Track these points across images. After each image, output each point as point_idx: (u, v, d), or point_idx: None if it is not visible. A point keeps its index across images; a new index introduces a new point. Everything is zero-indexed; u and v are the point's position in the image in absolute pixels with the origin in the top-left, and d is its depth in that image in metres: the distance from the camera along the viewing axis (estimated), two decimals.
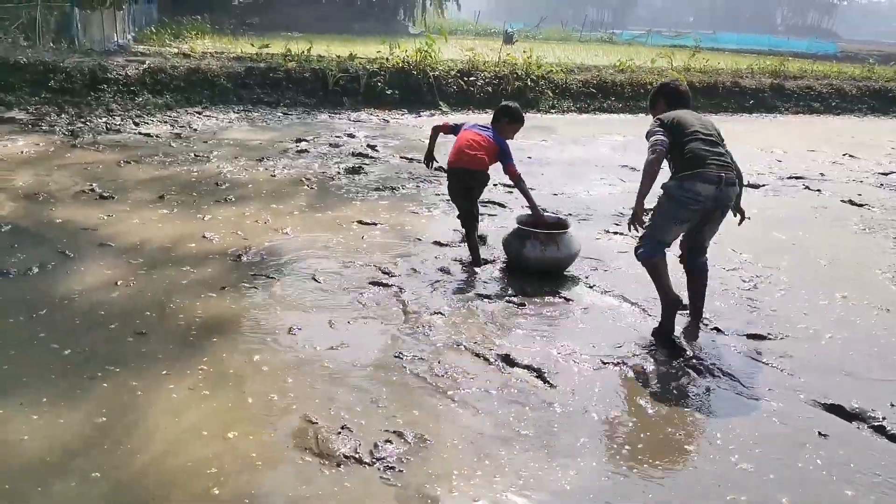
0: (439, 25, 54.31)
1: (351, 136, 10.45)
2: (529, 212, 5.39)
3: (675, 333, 4.16)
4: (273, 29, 44.06)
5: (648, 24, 70.68)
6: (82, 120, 10.19)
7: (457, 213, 5.53)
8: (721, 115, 15.15)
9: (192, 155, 8.49)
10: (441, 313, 4.38)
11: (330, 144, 9.69)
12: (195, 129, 10.24)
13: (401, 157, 9.08)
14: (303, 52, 14.24)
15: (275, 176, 7.77)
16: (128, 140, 9.18)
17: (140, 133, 9.60)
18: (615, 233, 6.37)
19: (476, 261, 5.33)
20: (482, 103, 14.03)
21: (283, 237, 5.73)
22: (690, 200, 3.84)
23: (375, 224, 6.19)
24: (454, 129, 5.61)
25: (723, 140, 4.05)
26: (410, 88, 13.72)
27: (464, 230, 5.48)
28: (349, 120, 11.95)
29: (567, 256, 5.21)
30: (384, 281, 4.87)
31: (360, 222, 6.22)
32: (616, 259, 5.61)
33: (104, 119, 10.37)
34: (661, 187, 3.99)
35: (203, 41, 31.08)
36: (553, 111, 14.25)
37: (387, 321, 4.26)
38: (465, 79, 14.19)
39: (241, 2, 58.59)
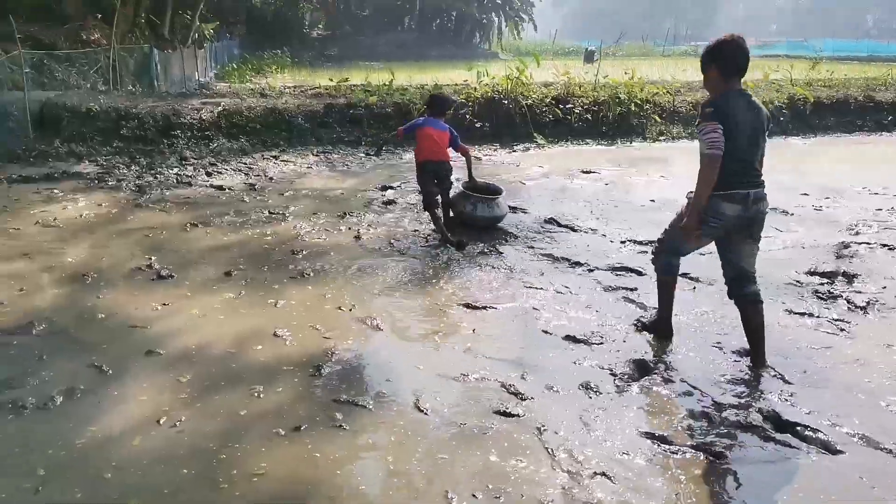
0: (516, 48, 53.26)
1: None
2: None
3: None
4: (351, 59, 44.04)
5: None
6: (152, 172, 9.39)
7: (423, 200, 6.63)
8: (856, 136, 13.25)
9: (267, 212, 7.46)
10: (608, 476, 3.01)
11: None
12: (271, 178, 9.27)
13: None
14: (384, 84, 13.24)
15: (359, 238, 6.60)
16: (198, 195, 8.25)
17: (211, 186, 8.68)
18: (803, 314, 4.84)
19: (444, 237, 6.38)
20: (580, 133, 12.66)
21: (372, 331, 4.52)
22: (712, 218, 3.80)
23: (486, 308, 4.90)
24: (409, 130, 6.62)
25: (766, 132, 3.82)
26: (502, 119, 12.49)
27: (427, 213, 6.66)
28: None
29: (501, 215, 6.83)
30: (512, 409, 3.55)
31: (466, 306, 4.94)
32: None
33: (175, 170, 9.54)
34: (687, 196, 4.04)
35: (283, 75, 31.08)
36: (662, 139, 12.71)
37: (530, 486, 2.93)
38: (561, 106, 12.83)
39: (319, 34, 59.35)
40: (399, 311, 4.88)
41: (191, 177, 9.15)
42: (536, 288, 5.30)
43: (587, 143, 12.28)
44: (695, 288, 5.28)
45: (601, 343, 4.35)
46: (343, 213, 7.43)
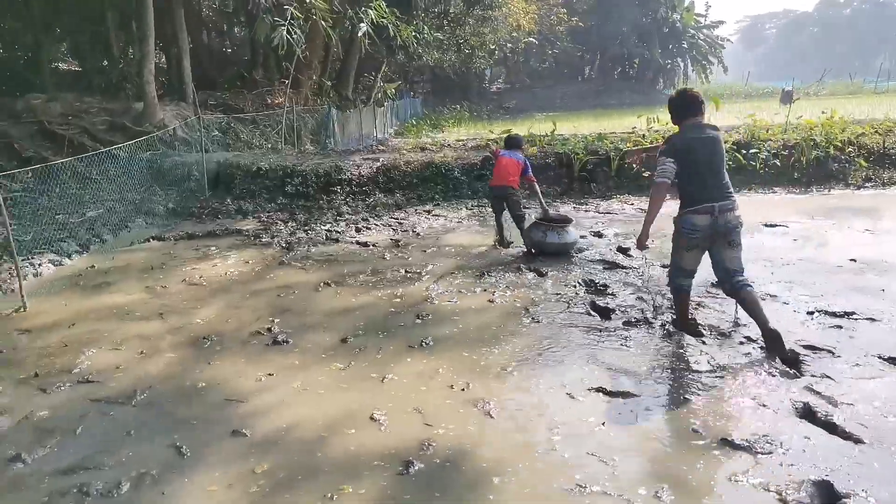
0: (703, 91, 50.75)
1: (598, 234, 8.41)
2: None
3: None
4: (528, 110, 44.16)
5: None
6: (306, 228, 9.46)
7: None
8: None
9: (403, 271, 7.08)
10: None
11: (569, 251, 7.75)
12: (418, 234, 8.96)
13: (662, 267, 6.81)
14: (546, 134, 12.66)
15: (493, 302, 5.98)
16: (341, 252, 8.10)
17: (357, 242, 8.52)
18: None
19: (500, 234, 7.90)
20: (766, 181, 11.20)
21: (482, 418, 3.84)
22: (689, 231, 4.65)
23: (623, 396, 4.04)
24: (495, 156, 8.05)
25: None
26: None
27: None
28: (597, 212, 9.93)
29: (572, 242, 7.35)
30: None
31: (600, 391, 4.11)
32: None
33: (328, 226, 9.55)
34: (673, 222, 4.80)
35: (459, 129, 31.70)
36: (868, 185, 10.89)
37: None
38: (744, 151, 11.47)
39: (498, 88, 60.55)
40: (519, 393, 4.16)
41: (340, 233, 9.09)
42: (692, 371, 4.33)
43: (774, 192, 10.81)
44: None
45: (769, 453, 3.33)
46: (482, 273, 6.86)
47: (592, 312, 5.57)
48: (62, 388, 4.54)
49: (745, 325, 5.00)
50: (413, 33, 18.35)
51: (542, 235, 7.37)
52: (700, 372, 4.30)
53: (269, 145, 15.79)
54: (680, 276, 4.90)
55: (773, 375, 4.18)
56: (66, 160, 10.52)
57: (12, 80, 17.36)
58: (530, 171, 7.83)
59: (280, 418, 3.95)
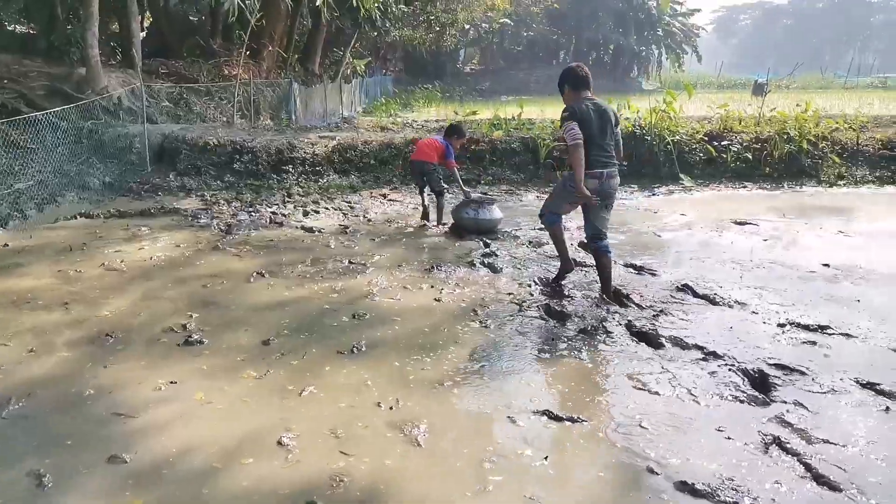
0: (676, 80, 50.61)
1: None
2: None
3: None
4: (501, 93, 43.56)
5: None
6: (251, 209, 8.81)
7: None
8: None
9: (347, 261, 6.50)
10: None
11: (530, 242, 7.23)
12: (369, 220, 8.38)
13: (625, 266, 6.33)
14: (511, 117, 12.11)
15: (439, 300, 5.43)
16: (283, 238, 7.48)
17: (302, 227, 7.90)
18: None
19: (439, 219, 8.13)
20: (737, 174, 10.81)
21: (407, 447, 3.30)
22: (575, 189, 5.11)
23: (571, 420, 3.53)
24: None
25: (616, 126, 5.31)
26: (642, 158, 10.92)
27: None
28: None
29: (498, 219, 7.71)
30: None
31: (546, 414, 3.59)
32: None
33: (274, 208, 8.92)
34: (562, 176, 5.81)
35: (429, 109, 30.99)
36: (842, 183, 10.55)
37: None
38: (715, 143, 11.04)
39: (472, 69, 59.74)
40: (453, 414, 3.63)
41: (286, 216, 8.46)
42: (648, 391, 3.84)
43: (745, 187, 10.41)
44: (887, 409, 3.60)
45: (734, 502, 2.85)
46: (431, 266, 6.30)
47: (546, 317, 5.06)
48: None
49: (708, 340, 4.53)
50: (377, 5, 17.57)
51: (473, 213, 7.60)
52: (659, 395, 3.80)
53: (225, 119, 14.98)
54: (554, 217, 5.66)
55: (742, 401, 3.71)
56: None
57: None
58: (452, 157, 8.01)
59: (171, 440, 3.37)
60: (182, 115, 14.30)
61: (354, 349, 4.46)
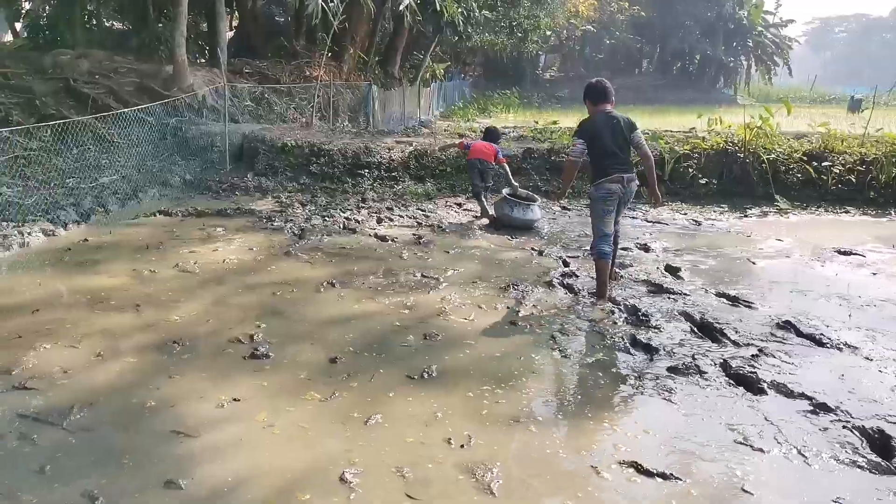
0: (765, 94, 48.67)
1: (644, 247, 7.45)
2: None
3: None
4: (581, 101, 42.86)
5: None
6: (324, 214, 8.69)
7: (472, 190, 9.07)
8: None
9: (420, 275, 6.26)
10: None
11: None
12: (443, 229, 8.13)
13: (717, 295, 5.85)
14: None
15: (515, 324, 5.12)
16: (356, 245, 7.31)
17: (375, 235, 7.71)
18: None
19: (484, 212, 8.68)
20: (839, 198, 10.05)
21: (482, 497, 2.99)
22: (606, 196, 5.57)
23: (662, 477, 3.15)
24: (467, 146, 9.14)
25: (630, 132, 5.60)
26: (734, 177, 10.31)
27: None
28: (645, 220, 8.95)
29: (534, 219, 8.30)
30: None
31: (634, 467, 3.22)
32: None
33: (348, 213, 8.77)
34: (588, 195, 6.00)
35: (507, 115, 30.68)
36: None
37: None
38: (815, 164, 10.31)
39: (552, 76, 59.06)
40: (530, 458, 3.31)
41: (359, 222, 8.30)
42: (751, 447, 3.42)
43: (847, 212, 9.66)
44: None
45: None
46: (507, 285, 5.99)
47: (632, 350, 4.68)
48: None
49: (817, 389, 4.06)
50: (460, 10, 17.35)
51: (509, 210, 8.18)
52: (764, 452, 3.38)
53: (304, 120, 15.05)
54: (603, 242, 5.63)
55: (861, 468, 3.25)
56: (86, 118, 9.95)
57: (60, 35, 16.84)
58: (500, 154, 8.85)
59: (229, 467, 3.17)
60: (263, 114, 14.45)
61: (424, 374, 4.19)
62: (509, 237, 7.86)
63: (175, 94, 12.38)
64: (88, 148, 10.87)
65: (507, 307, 5.46)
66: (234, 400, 3.82)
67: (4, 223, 7.32)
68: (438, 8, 15.73)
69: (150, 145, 11.19)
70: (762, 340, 4.86)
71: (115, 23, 21.62)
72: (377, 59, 24.24)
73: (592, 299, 5.70)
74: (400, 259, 6.84)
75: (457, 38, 22.14)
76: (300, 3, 13.78)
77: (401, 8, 14.69)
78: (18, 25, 19.73)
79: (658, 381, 4.19)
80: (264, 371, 4.20)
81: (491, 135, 9.20)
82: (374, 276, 6.21)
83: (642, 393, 4.03)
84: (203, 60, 17.93)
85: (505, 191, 8.60)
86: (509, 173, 8.94)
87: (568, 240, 7.82)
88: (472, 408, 3.81)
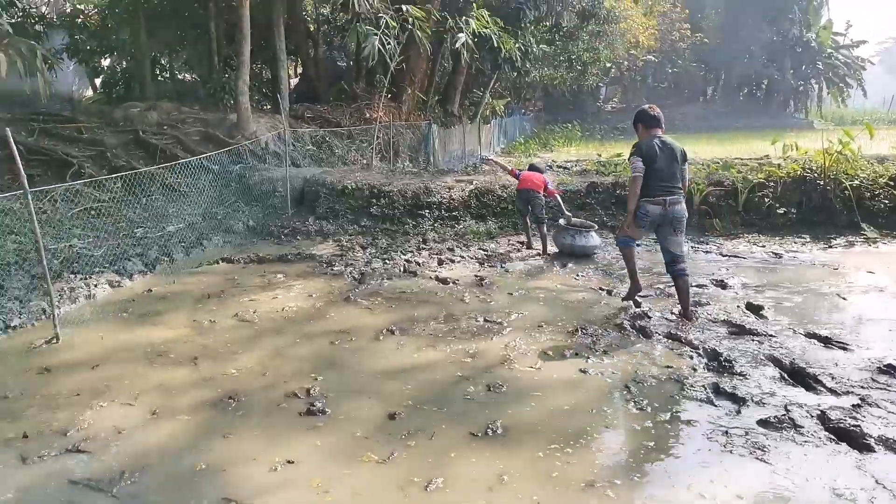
0: (839, 117, 46.88)
1: (721, 284, 6.99)
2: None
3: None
4: None
5: None
6: (385, 256, 8.54)
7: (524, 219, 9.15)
8: None
9: (482, 319, 5.99)
10: None
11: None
12: (507, 270, 7.86)
13: (807, 336, 5.37)
14: None
15: (585, 372, 4.78)
16: (416, 289, 7.11)
17: (437, 278, 7.49)
18: None
19: (544, 248, 8.74)
20: None
21: None
22: (643, 215, 5.84)
23: None
24: (517, 175, 9.15)
25: (683, 162, 5.91)
26: (814, 205, 9.72)
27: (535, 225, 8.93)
28: (720, 254, 8.46)
29: (594, 245, 8.40)
30: None
31: None
32: None
33: (408, 255, 8.60)
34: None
35: (569, 148, 30.34)
36: None
37: None
38: None
39: (613, 107, 58.47)
40: None
41: (420, 265, 8.10)
42: None
43: None
44: None
45: None
46: (575, 329, 5.66)
47: (715, 400, 4.28)
48: (45, 457, 3.74)
49: None
50: (517, 46, 17.25)
51: (570, 238, 8.38)
52: None
53: (365, 161, 15.12)
54: (629, 240, 6.14)
55: None
56: (153, 168, 10.17)
57: (132, 89, 17.58)
58: (551, 185, 9.01)
59: None
60: (324, 157, 14.57)
61: (489, 430, 3.91)
62: (575, 276, 7.53)
63: (238, 141, 12.60)
64: (156, 198, 11.13)
65: (576, 353, 5.13)
66: (289, 462, 3.62)
67: (72, 275, 7.43)
68: (496, 44, 15.67)
69: (214, 192, 11.37)
70: (863, 388, 4.39)
71: (186, 75, 22.49)
72: (437, 97, 24.39)
73: (668, 342, 5.32)
74: (461, 302, 6.59)
75: (515, 73, 22.07)
76: (357, 46, 13.90)
77: (457, 46, 14.67)
78: (98, 81, 20.71)
79: (748, 436, 3.79)
80: (320, 430, 4.00)
81: (536, 167, 9.38)
82: (434, 322, 5.98)
83: (731, 451, 3.64)
84: (268, 107, 18.32)
85: (561, 221, 8.79)
86: (561, 203, 9.06)
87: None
88: (540, 469, 3.50)
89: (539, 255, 8.61)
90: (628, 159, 6.00)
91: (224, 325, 6.04)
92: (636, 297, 6.25)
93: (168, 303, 6.78)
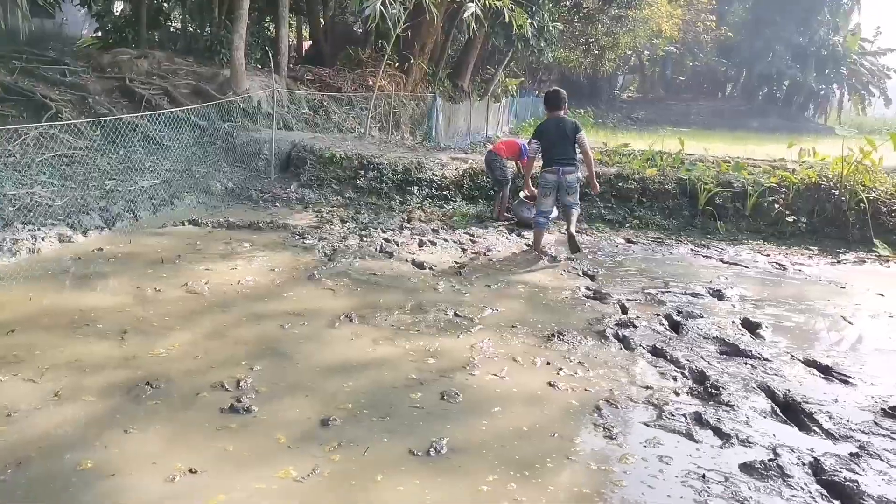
0: (858, 124, 45.95)
1: (717, 294, 6.43)
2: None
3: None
4: (658, 124, 41.21)
5: None
6: (363, 233, 8.00)
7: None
8: None
9: (452, 313, 5.45)
10: None
11: (678, 312, 5.83)
12: (490, 259, 7.31)
13: (806, 364, 4.83)
14: (669, 154, 10.64)
15: (554, 386, 4.25)
16: (388, 272, 6.57)
17: (413, 261, 6.95)
18: None
19: (500, 213, 9.25)
20: None
21: None
22: (543, 183, 7.39)
23: None
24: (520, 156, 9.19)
25: (574, 135, 7.32)
26: (826, 216, 9.12)
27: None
28: (720, 261, 7.88)
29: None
30: None
31: None
32: None
33: (388, 234, 8.05)
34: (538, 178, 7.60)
35: None
36: None
37: None
38: None
39: (629, 97, 57.48)
40: None
41: (398, 245, 7.56)
42: None
43: None
44: None
45: None
46: (552, 334, 5.11)
47: (697, 434, 3.74)
48: None
49: None
50: (530, 21, 16.52)
51: (528, 212, 8.58)
52: None
53: (362, 130, 14.51)
54: (541, 216, 7.51)
55: None
56: (133, 115, 9.59)
57: (122, 37, 16.86)
58: (525, 156, 8.63)
59: None
60: (320, 123, 13.97)
61: (431, 450, 3.38)
62: (563, 272, 6.97)
63: (229, 97, 11.99)
64: (136, 149, 10.56)
65: (548, 362, 4.60)
66: (191, 471, 3.09)
67: (22, 225, 6.89)
68: (508, 19, 14.96)
69: (199, 149, 10.81)
70: (864, 432, 3.85)
71: (189, 25, 21.75)
72: (447, 71, 23.67)
73: (651, 358, 4.78)
74: (434, 291, 6.05)
75: (529, 52, 21.31)
76: (359, 5, 13.20)
77: (465, 16, 13.97)
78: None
79: (727, 483, 3.26)
80: (236, 431, 3.47)
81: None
82: (399, 312, 5.44)
83: (706, 502, 3.10)
84: (268, 67, 17.64)
85: (521, 194, 9.01)
86: (527, 176, 8.78)
87: (627, 275, 6.90)
88: (488, 495, 2.98)
89: (495, 220, 9.16)
90: (527, 142, 7.71)
91: (169, 295, 5.51)
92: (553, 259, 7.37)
93: (116, 265, 6.26)
